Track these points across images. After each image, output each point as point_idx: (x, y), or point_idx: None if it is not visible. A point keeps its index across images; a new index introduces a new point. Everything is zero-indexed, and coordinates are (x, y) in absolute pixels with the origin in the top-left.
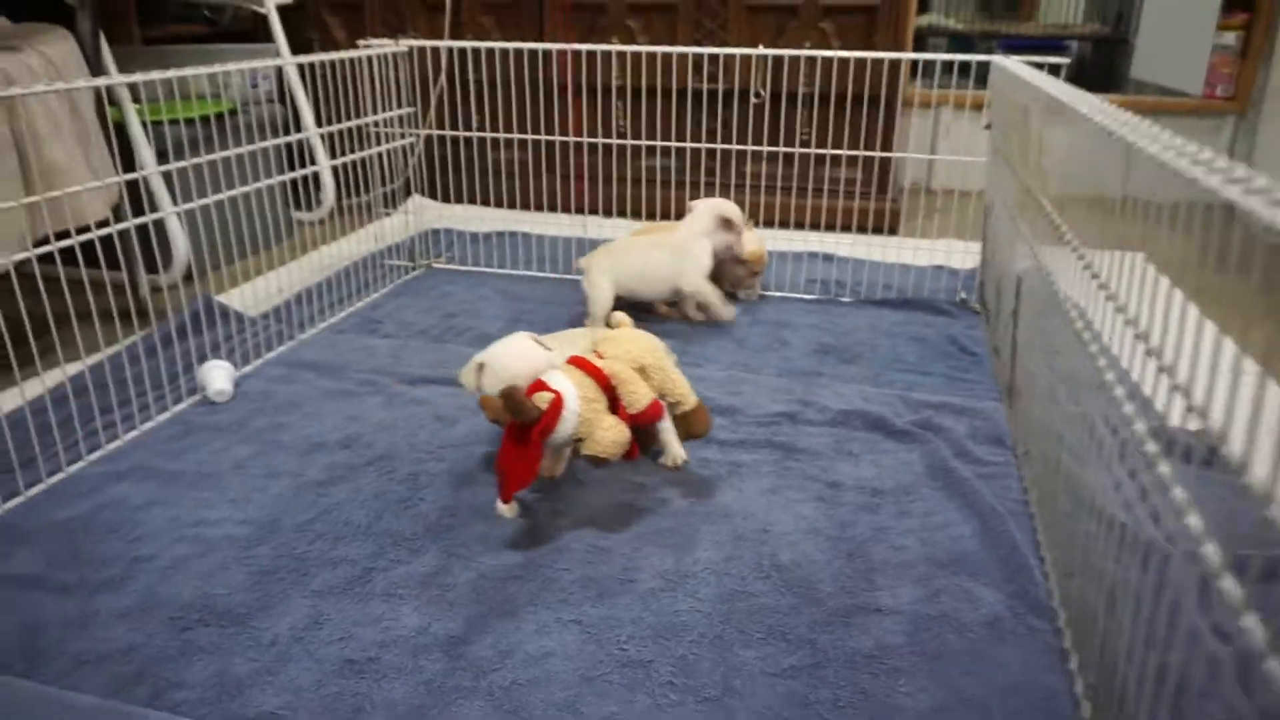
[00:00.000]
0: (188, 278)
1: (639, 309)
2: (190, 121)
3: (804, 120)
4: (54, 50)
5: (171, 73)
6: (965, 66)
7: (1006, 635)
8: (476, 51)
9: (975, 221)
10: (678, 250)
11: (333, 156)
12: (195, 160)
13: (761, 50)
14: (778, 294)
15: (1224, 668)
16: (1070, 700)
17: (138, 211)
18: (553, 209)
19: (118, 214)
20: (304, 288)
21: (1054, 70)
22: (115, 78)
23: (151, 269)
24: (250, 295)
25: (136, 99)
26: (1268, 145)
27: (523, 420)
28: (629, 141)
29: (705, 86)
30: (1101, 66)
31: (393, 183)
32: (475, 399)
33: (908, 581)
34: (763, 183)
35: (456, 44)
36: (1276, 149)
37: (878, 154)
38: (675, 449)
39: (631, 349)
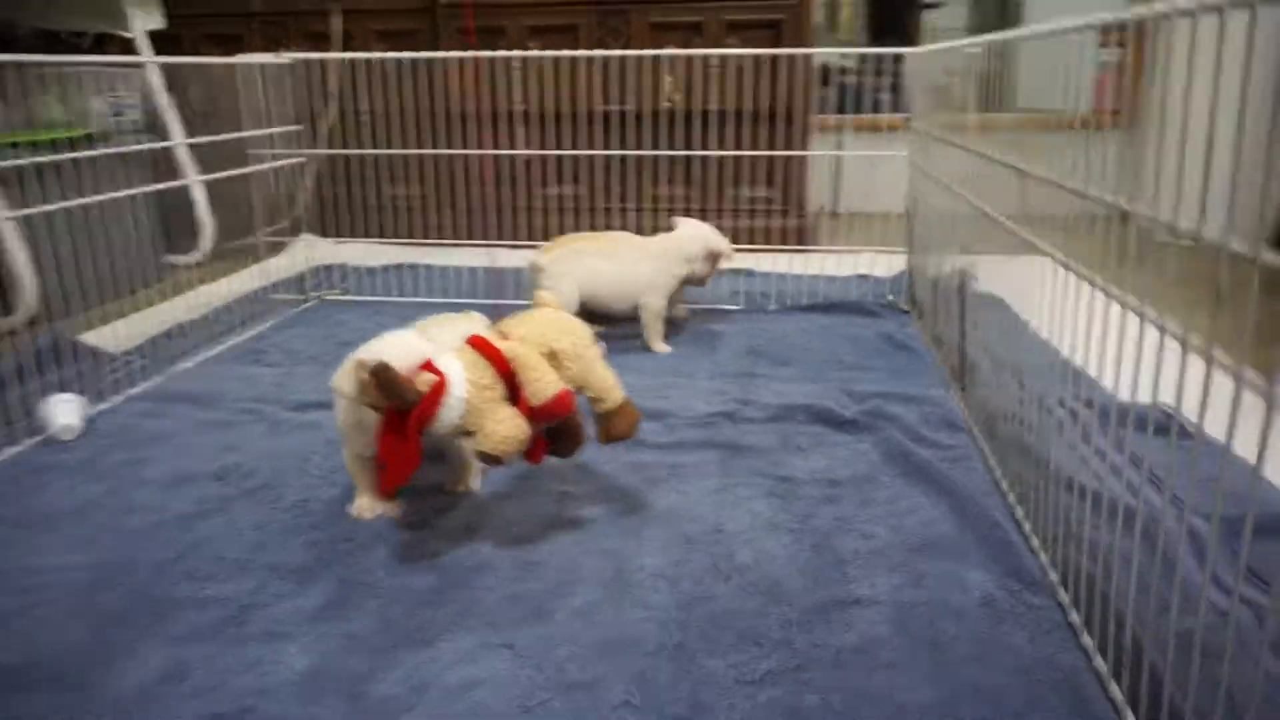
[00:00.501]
0: (34, 322)
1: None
2: (40, 145)
3: (716, 141)
4: None
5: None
6: (865, 98)
7: (1006, 616)
8: (370, 73)
9: (888, 237)
10: (655, 262)
11: (212, 188)
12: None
13: (671, 51)
14: (699, 306)
15: (1247, 630)
16: (1093, 677)
17: None
18: (455, 240)
19: None
20: (177, 323)
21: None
22: None
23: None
24: (112, 335)
25: None
26: (1155, 154)
27: (399, 404)
28: (537, 152)
29: (617, 109)
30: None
31: (280, 216)
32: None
33: (883, 569)
34: (673, 205)
35: (346, 55)
36: (1165, 158)
37: (796, 152)
38: (466, 470)
39: (545, 330)
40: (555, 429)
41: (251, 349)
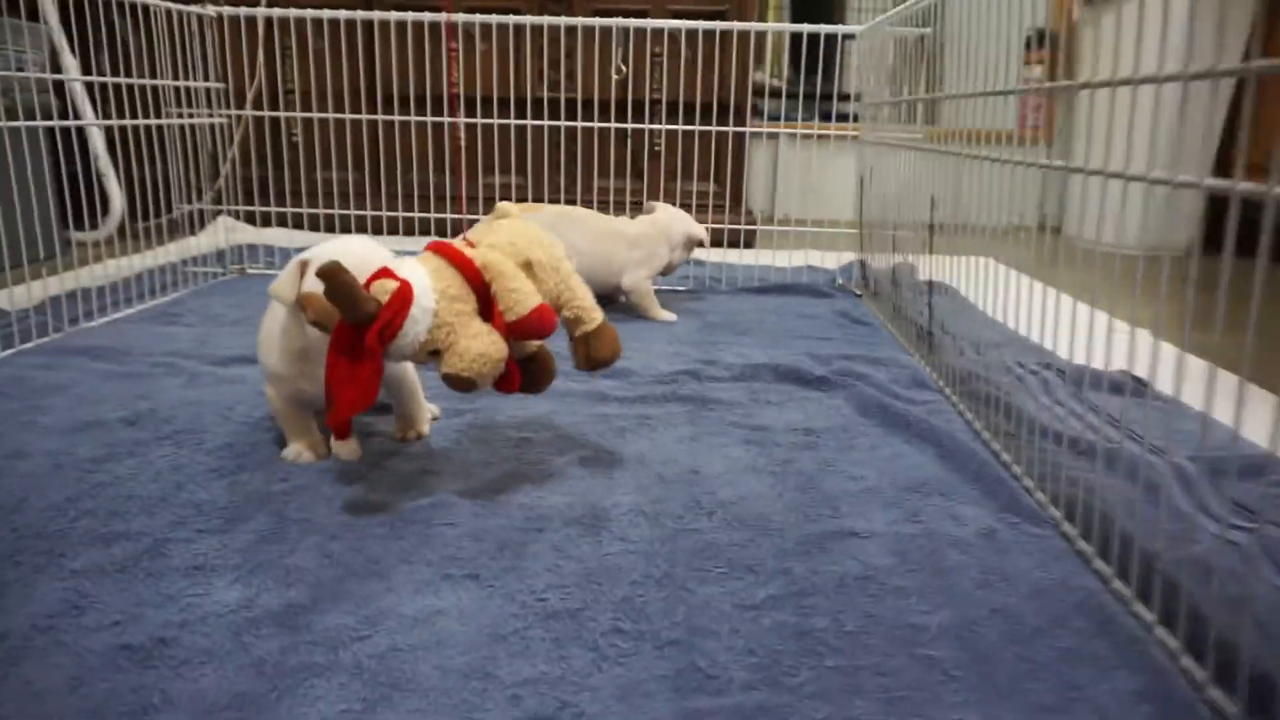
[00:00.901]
0: None
1: None
2: None
3: (655, 133)
4: None
5: None
6: (799, 101)
7: (1011, 545)
8: (299, 47)
9: (827, 241)
10: (636, 245)
11: (124, 143)
12: None
13: (621, 21)
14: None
15: (1250, 550)
16: (1112, 599)
17: None
18: (386, 232)
19: None
20: (80, 288)
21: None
22: None
23: None
24: (5, 298)
25: None
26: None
27: (354, 317)
28: (478, 120)
29: (560, 96)
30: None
31: (200, 189)
32: None
33: (875, 506)
34: (612, 199)
35: (276, 12)
36: (1081, 173)
37: (739, 128)
38: (416, 415)
39: (517, 239)
40: (526, 358)
41: (165, 312)
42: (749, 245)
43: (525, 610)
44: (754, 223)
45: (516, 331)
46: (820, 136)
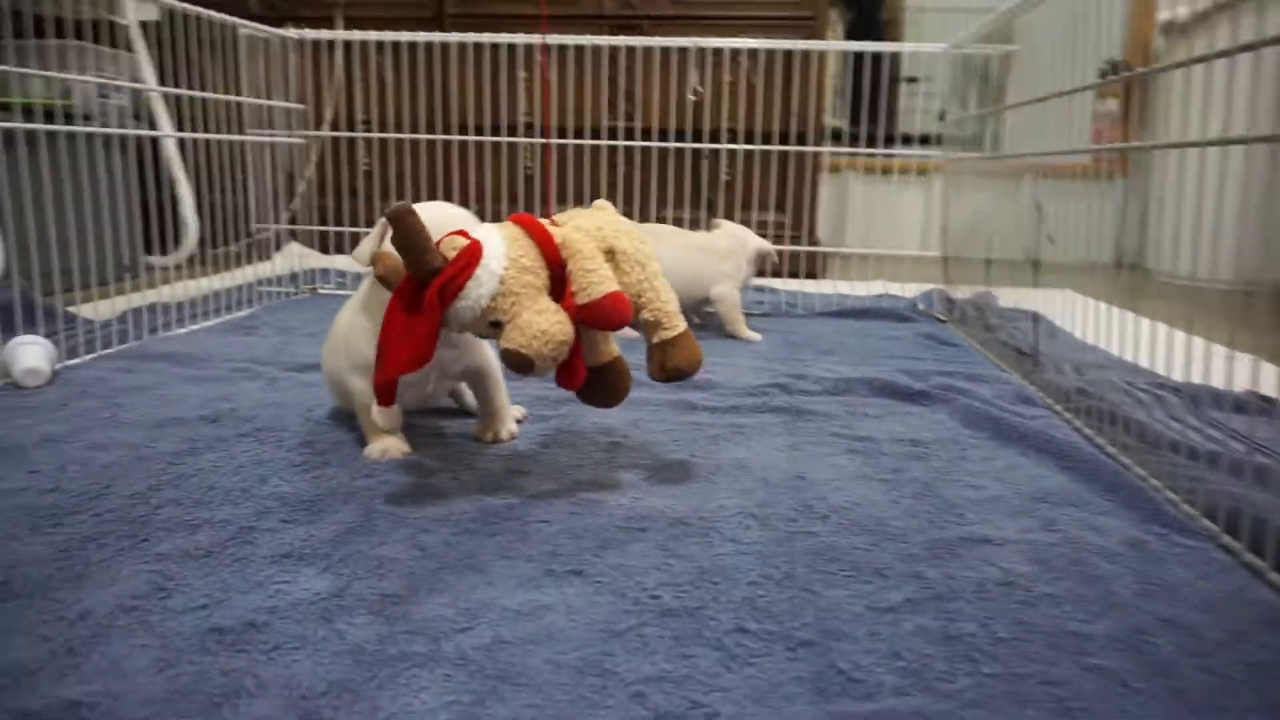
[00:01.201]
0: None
1: None
2: (12, 109)
3: (727, 163)
4: None
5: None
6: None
7: (1165, 556)
8: (368, 79)
9: (900, 271)
10: (727, 257)
11: (204, 165)
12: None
13: (696, 41)
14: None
15: None
16: None
17: None
18: None
19: None
20: (161, 303)
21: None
22: None
23: None
24: (90, 311)
25: None
26: (1158, 203)
27: (418, 268)
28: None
29: (621, 125)
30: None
31: (276, 208)
32: None
33: (1002, 514)
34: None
35: (356, 34)
36: (1166, 207)
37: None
38: (496, 416)
39: (604, 226)
40: (600, 366)
41: (240, 324)
42: (818, 275)
43: (638, 607)
44: (822, 254)
45: (586, 317)
46: (885, 170)
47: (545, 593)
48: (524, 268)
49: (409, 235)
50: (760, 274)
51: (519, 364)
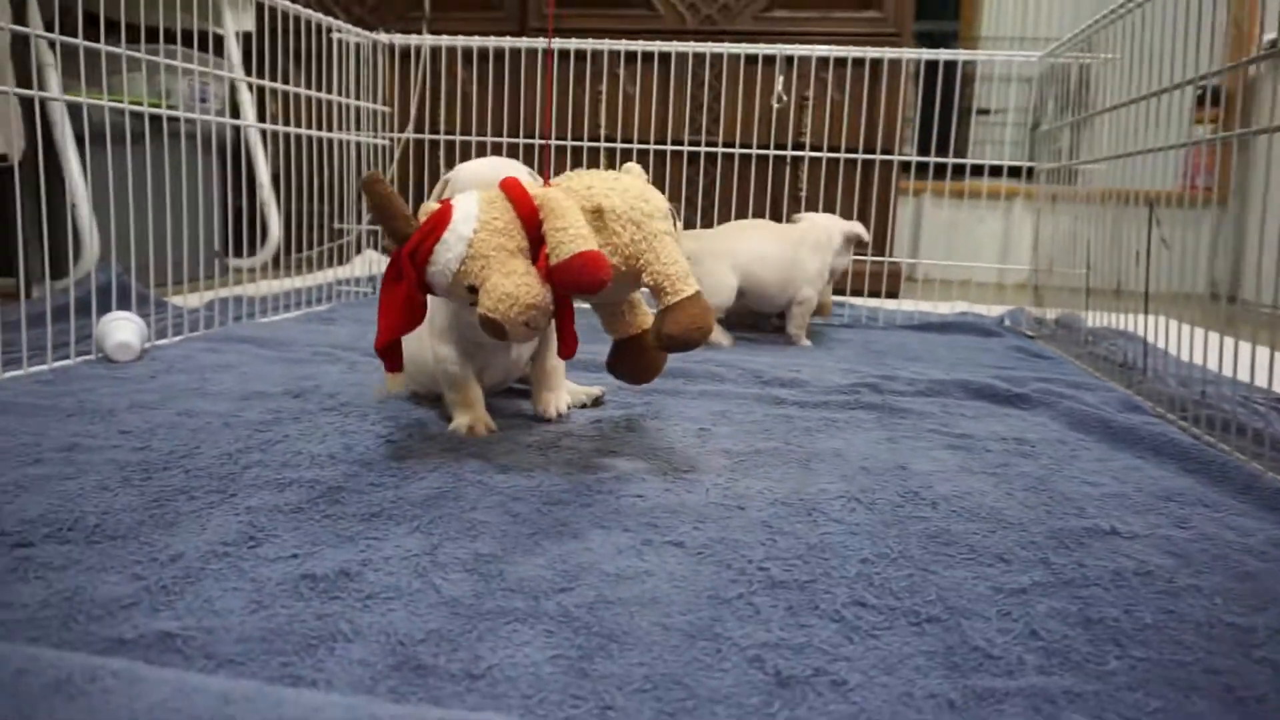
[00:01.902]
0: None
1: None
2: (125, 110)
3: (805, 176)
4: None
5: (125, 54)
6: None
7: None
8: (450, 85)
9: (979, 296)
10: (812, 250)
11: (292, 167)
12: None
13: (784, 48)
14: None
15: None
16: None
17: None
18: None
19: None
20: (245, 296)
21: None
22: (38, 30)
23: (55, 272)
24: (176, 302)
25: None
26: (1255, 232)
27: (390, 233)
28: (619, 145)
29: (704, 138)
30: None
31: (360, 209)
32: None
33: (1127, 510)
34: None
35: (444, 38)
36: (1265, 236)
37: (895, 158)
38: (543, 387)
39: (595, 183)
40: (625, 342)
41: (320, 316)
42: (894, 295)
43: (745, 577)
44: (899, 271)
45: (558, 279)
46: (961, 194)
47: (646, 560)
48: (496, 230)
49: (379, 204)
50: (839, 290)
51: (492, 330)
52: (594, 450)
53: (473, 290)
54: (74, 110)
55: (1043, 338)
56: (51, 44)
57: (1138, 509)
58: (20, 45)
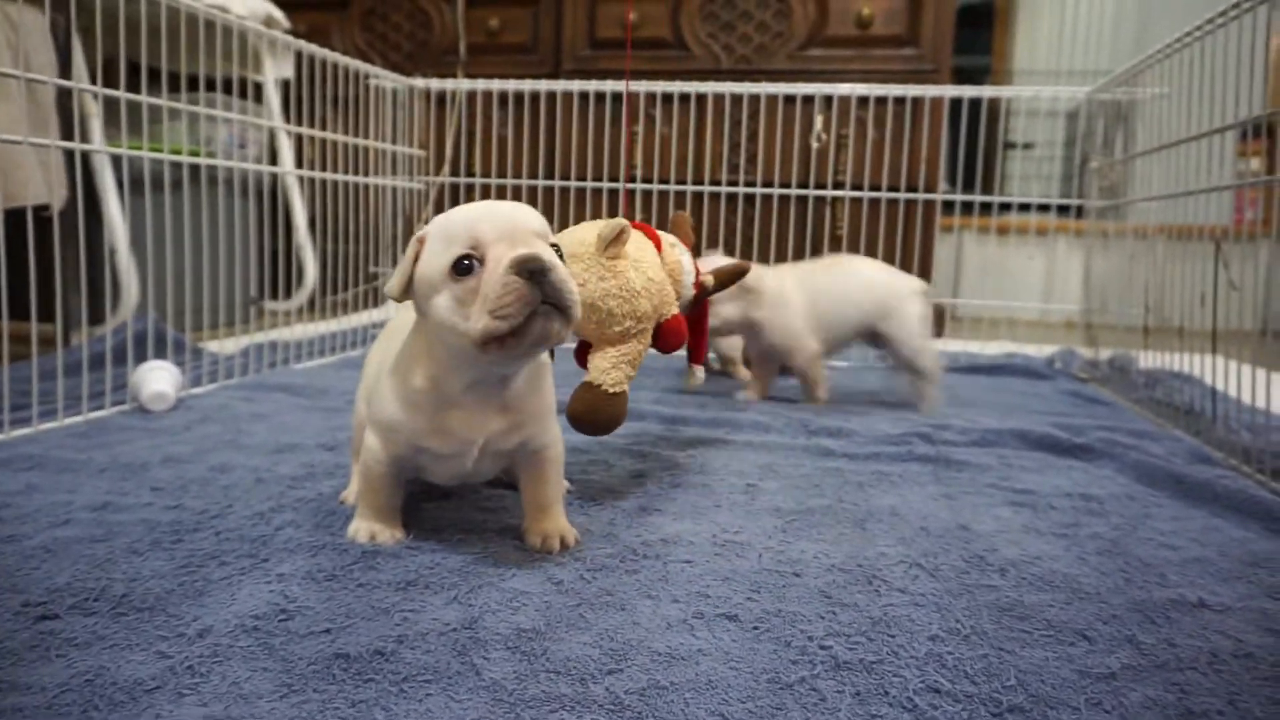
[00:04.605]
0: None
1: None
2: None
3: (847, 215)
4: (15, 11)
5: (164, 105)
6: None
7: None
8: (485, 131)
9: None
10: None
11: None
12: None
13: (822, 88)
14: (840, 363)
15: None
16: None
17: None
18: None
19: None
20: (281, 340)
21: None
22: (84, 85)
23: (93, 318)
24: (215, 347)
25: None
26: None
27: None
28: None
29: (741, 178)
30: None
31: (395, 253)
32: None
33: (1213, 579)
34: None
35: (480, 84)
36: None
37: (926, 197)
38: (552, 514)
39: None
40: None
41: (355, 363)
42: (938, 335)
43: (806, 657)
44: (940, 311)
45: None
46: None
47: (698, 636)
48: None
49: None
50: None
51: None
52: (637, 509)
53: None
54: (115, 158)
55: (1096, 380)
56: (95, 95)
57: (1224, 576)
58: (65, 96)
